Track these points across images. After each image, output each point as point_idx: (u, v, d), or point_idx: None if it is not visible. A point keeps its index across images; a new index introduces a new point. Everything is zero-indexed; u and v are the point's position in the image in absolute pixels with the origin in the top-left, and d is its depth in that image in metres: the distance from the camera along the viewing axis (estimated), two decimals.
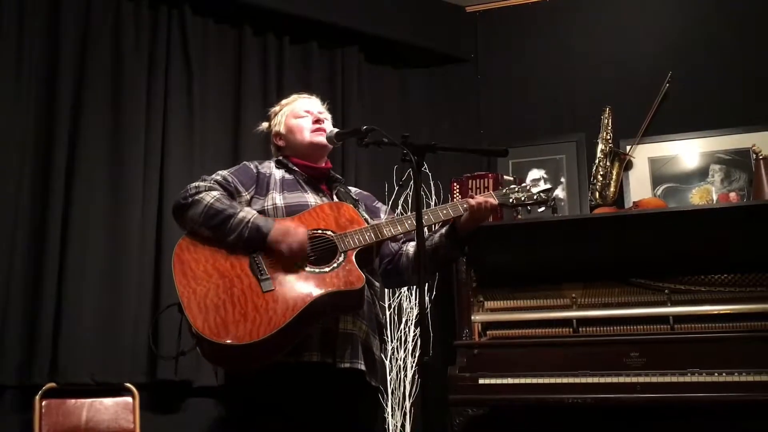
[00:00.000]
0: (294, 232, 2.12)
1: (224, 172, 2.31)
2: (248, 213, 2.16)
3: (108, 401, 3.27)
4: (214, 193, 2.20)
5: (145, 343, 3.39)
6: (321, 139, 2.38)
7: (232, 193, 2.25)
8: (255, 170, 2.35)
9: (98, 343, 3.30)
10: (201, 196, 2.18)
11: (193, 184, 2.24)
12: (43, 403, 3.15)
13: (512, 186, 2.34)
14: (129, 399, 3.30)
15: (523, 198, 2.29)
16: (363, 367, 2.16)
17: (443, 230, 2.30)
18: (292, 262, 2.11)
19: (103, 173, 3.48)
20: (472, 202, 2.22)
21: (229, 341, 1.97)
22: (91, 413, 3.23)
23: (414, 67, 4.44)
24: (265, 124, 2.57)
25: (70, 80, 3.47)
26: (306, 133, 2.40)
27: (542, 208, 2.35)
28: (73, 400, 3.22)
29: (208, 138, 3.79)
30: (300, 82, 3.93)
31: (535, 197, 2.29)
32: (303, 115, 2.43)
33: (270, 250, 2.11)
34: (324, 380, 2.11)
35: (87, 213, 3.39)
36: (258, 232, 2.11)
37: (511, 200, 2.30)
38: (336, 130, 2.39)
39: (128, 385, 3.32)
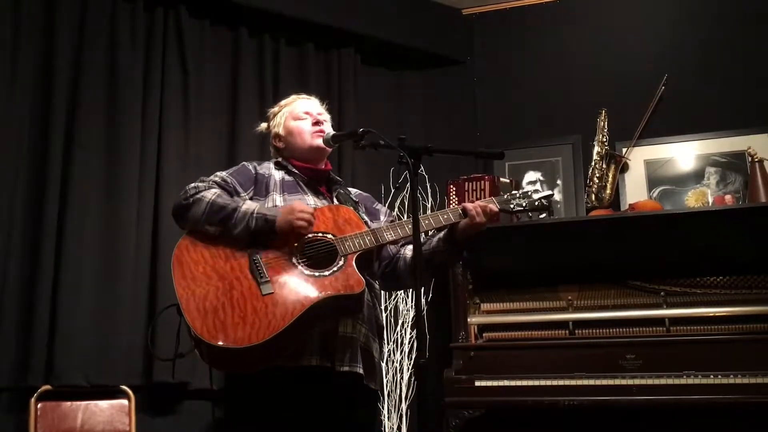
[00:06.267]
0: (300, 205, 2.13)
1: (223, 173, 2.31)
2: (252, 205, 2.16)
3: (103, 404, 3.26)
4: (214, 190, 2.20)
5: (140, 346, 3.38)
6: (320, 142, 2.37)
7: (231, 193, 2.25)
8: (254, 171, 2.34)
9: (94, 345, 3.29)
10: (202, 194, 2.18)
11: (192, 185, 2.23)
12: (39, 405, 3.13)
13: (513, 192, 2.32)
14: (125, 401, 3.29)
15: (524, 204, 2.28)
16: (361, 371, 2.16)
17: (441, 235, 2.29)
18: (293, 264, 2.11)
19: (98, 175, 3.46)
20: (473, 208, 2.20)
21: (228, 344, 1.96)
22: (87, 416, 3.22)
23: (410, 70, 4.45)
24: (264, 125, 2.55)
25: (66, 82, 3.46)
26: (306, 136, 2.38)
27: (543, 215, 2.34)
28: (68, 403, 3.20)
29: (204, 139, 3.78)
30: (296, 83, 3.92)
31: (536, 204, 2.28)
32: (303, 117, 2.42)
33: (279, 234, 2.12)
34: (322, 384, 2.11)
35: (83, 214, 3.38)
36: (265, 220, 2.12)
37: (512, 206, 2.28)
38: (332, 132, 2.39)
39: (124, 387, 3.30)
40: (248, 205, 2.16)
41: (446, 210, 2.26)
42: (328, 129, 2.43)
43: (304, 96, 2.54)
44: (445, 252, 2.27)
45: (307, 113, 2.43)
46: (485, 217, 2.20)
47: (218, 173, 2.31)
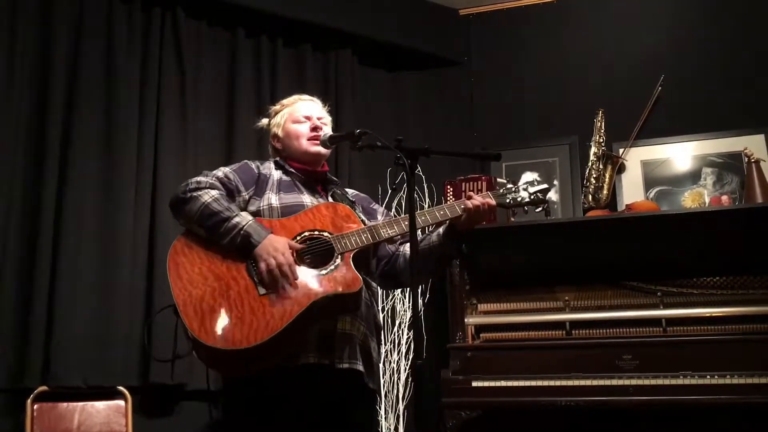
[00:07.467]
0: (283, 248, 2.08)
1: (226, 169, 2.30)
2: (243, 219, 2.13)
3: (100, 404, 3.25)
4: (214, 192, 2.18)
5: (137, 347, 3.37)
6: (317, 149, 2.37)
7: (232, 191, 2.24)
8: (256, 170, 2.34)
9: (90, 346, 3.28)
10: (200, 193, 2.16)
11: (195, 179, 2.22)
12: (35, 406, 3.13)
13: (509, 186, 2.31)
14: (121, 402, 3.28)
15: (519, 198, 2.28)
16: (361, 368, 2.16)
17: (441, 229, 2.30)
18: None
19: (95, 175, 3.45)
20: (470, 204, 2.20)
21: (226, 346, 1.96)
22: (84, 417, 3.21)
23: (407, 70, 4.44)
24: (264, 121, 2.55)
25: (62, 83, 3.45)
26: (303, 140, 2.38)
27: (539, 208, 2.33)
28: (65, 404, 3.20)
29: (201, 141, 3.77)
30: (293, 84, 3.92)
31: (532, 197, 2.28)
32: (302, 121, 2.42)
33: (255, 259, 2.09)
34: (321, 381, 2.11)
35: (79, 215, 3.37)
36: (248, 241, 2.09)
37: (508, 200, 2.28)
38: (330, 133, 2.38)
39: (121, 388, 3.30)
40: (239, 218, 2.12)
41: (443, 206, 2.26)
42: (328, 132, 2.42)
43: (306, 97, 2.53)
44: (444, 245, 2.28)
45: (307, 117, 2.42)
46: (484, 212, 2.20)
47: (222, 168, 2.31)
